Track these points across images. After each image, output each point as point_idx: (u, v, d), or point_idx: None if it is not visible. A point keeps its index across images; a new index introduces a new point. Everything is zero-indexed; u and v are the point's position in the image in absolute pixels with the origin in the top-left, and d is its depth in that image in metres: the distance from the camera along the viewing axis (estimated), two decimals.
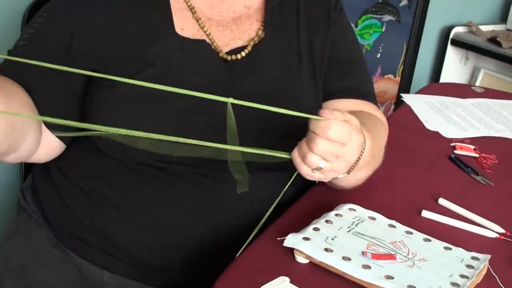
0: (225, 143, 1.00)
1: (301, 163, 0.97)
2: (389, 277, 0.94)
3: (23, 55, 1.09)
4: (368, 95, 1.29)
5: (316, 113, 0.95)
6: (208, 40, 1.17)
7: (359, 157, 1.01)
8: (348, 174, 1.04)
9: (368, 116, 1.21)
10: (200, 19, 1.18)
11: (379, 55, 2.53)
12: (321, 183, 1.25)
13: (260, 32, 1.21)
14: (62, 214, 1.19)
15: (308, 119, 0.95)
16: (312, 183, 1.28)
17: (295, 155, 0.98)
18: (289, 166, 1.14)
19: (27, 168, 1.49)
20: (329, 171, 0.98)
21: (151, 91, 1.08)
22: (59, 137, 1.14)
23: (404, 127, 1.61)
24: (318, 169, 0.97)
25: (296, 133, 0.99)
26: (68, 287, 1.15)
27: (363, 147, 1.02)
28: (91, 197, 1.16)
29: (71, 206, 1.18)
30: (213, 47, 1.17)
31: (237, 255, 1.02)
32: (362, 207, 1.13)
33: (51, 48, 1.12)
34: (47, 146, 1.13)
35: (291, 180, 1.05)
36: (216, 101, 1.08)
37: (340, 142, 0.95)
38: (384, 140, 1.22)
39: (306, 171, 0.98)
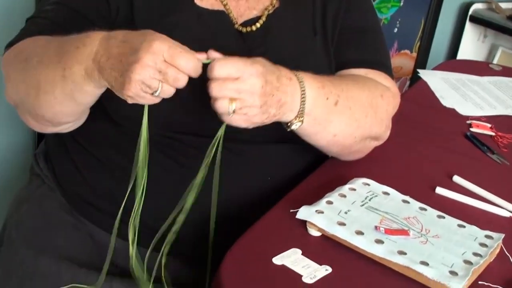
0: None
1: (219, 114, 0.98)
2: (402, 253, 0.93)
3: (55, 19, 1.12)
4: (381, 65, 1.26)
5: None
6: (225, 11, 1.16)
7: (302, 100, 1.03)
8: (301, 122, 1.05)
9: (353, 77, 1.20)
10: None
11: (396, 29, 2.51)
12: (335, 157, 1.25)
13: (274, 1, 1.20)
14: (74, 180, 1.19)
15: None
16: (326, 156, 1.28)
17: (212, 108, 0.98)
18: (301, 140, 1.14)
19: (40, 134, 1.49)
20: (246, 108, 0.97)
21: None
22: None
23: (420, 103, 1.60)
24: (232, 111, 0.96)
25: None
26: (80, 253, 1.16)
27: (303, 89, 1.03)
28: (104, 164, 1.16)
29: (84, 172, 1.18)
30: (230, 17, 1.16)
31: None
32: (376, 181, 1.13)
33: (83, 9, 1.12)
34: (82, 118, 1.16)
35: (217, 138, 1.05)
36: None
37: (232, 77, 0.95)
38: (374, 101, 1.18)
39: (226, 119, 0.98)
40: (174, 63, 0.91)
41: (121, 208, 1.08)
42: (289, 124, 1.07)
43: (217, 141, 1.04)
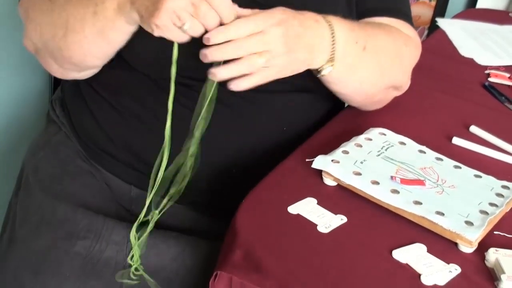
0: None
1: (250, 74, 0.96)
2: (417, 203, 0.93)
3: None
4: (403, 14, 1.25)
5: None
6: None
7: (333, 42, 1.01)
8: (332, 66, 1.03)
9: (378, 24, 1.18)
10: None
11: None
12: (351, 106, 1.24)
13: None
14: (91, 128, 1.20)
15: None
16: (342, 106, 1.27)
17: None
18: (319, 89, 1.13)
19: (56, 80, 1.49)
20: (273, 59, 0.96)
21: None
22: None
23: (438, 52, 1.58)
24: (259, 66, 0.95)
25: None
26: (96, 200, 1.17)
27: (332, 32, 1.01)
28: (120, 112, 1.16)
29: (100, 120, 1.18)
30: None
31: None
32: (393, 131, 1.12)
33: None
34: None
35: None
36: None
37: (254, 33, 0.93)
38: (399, 49, 1.17)
39: (259, 75, 0.97)
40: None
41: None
42: (319, 69, 1.05)
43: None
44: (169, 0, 0.88)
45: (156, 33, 0.93)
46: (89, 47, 1.04)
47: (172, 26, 0.91)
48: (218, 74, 0.95)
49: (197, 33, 0.92)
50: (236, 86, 0.98)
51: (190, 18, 0.90)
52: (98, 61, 1.10)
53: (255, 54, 0.94)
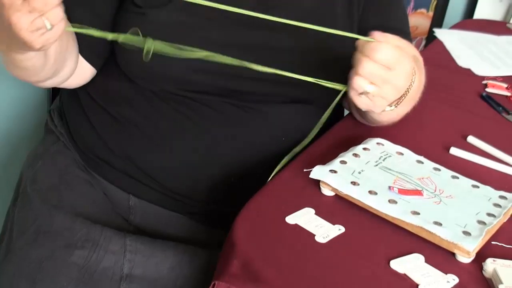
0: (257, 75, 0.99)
1: (350, 88, 0.95)
2: (415, 213, 0.93)
3: None
4: (404, 33, 1.25)
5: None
6: None
7: (408, 88, 1.00)
8: (396, 107, 1.02)
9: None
10: None
11: None
12: (349, 116, 1.24)
13: None
14: (89, 137, 1.20)
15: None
16: (341, 117, 1.27)
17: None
18: (317, 100, 1.13)
19: (55, 91, 1.49)
20: (377, 97, 0.95)
21: (181, 21, 1.07)
22: (90, 62, 1.14)
23: (435, 63, 1.58)
24: (365, 93, 0.94)
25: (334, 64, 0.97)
26: (95, 209, 1.17)
27: (413, 78, 1.00)
28: (118, 121, 1.16)
29: (98, 129, 1.18)
30: None
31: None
32: (390, 141, 1.12)
33: None
34: (79, 72, 1.13)
35: (330, 108, 1.04)
36: (247, 34, 1.07)
37: (388, 66, 0.92)
38: (422, 76, 1.19)
39: (353, 95, 0.96)
40: None
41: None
42: None
43: None
44: (18, 28, 0.85)
45: (42, 48, 0.90)
46: (32, 77, 1.06)
47: (43, 36, 0.87)
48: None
49: (59, 18, 0.87)
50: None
51: (43, 18, 0.86)
52: (46, 75, 1.07)
53: (368, 81, 0.94)
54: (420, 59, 1.23)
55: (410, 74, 0.97)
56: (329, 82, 1.00)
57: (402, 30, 1.26)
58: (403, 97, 1.01)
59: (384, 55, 0.91)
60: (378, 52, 0.91)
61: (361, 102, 0.98)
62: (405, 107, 1.11)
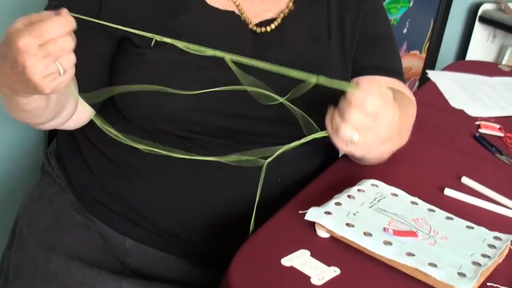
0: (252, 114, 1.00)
1: (335, 135, 0.96)
2: (410, 254, 0.94)
3: None
4: (397, 73, 1.28)
5: (347, 83, 0.93)
6: (237, 12, 1.16)
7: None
8: None
9: (397, 91, 1.20)
10: None
11: (405, 30, 2.51)
12: (344, 158, 1.25)
13: (290, 4, 1.20)
14: (86, 180, 1.20)
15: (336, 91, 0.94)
16: (335, 157, 1.28)
17: (328, 127, 0.96)
18: (313, 141, 1.14)
19: (51, 133, 1.50)
20: (362, 145, 0.96)
21: (179, 61, 1.09)
22: (89, 104, 1.14)
23: (428, 104, 1.59)
24: (353, 142, 0.95)
25: (322, 107, 0.98)
26: (91, 252, 1.17)
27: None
28: (115, 164, 1.17)
29: (95, 172, 1.19)
30: (242, 18, 1.16)
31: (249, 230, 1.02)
32: (385, 183, 1.13)
33: (80, 13, 1.12)
34: (79, 113, 1.14)
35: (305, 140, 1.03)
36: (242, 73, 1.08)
37: (374, 116, 0.93)
38: (411, 117, 1.20)
39: (340, 144, 0.96)
40: (45, 38, 0.85)
41: None
42: None
43: None
44: (32, 74, 0.86)
45: (52, 93, 0.91)
46: (32, 120, 1.06)
47: (55, 81, 0.88)
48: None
49: (71, 64, 0.89)
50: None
51: (55, 63, 0.87)
52: (46, 118, 1.08)
53: (355, 129, 0.94)
54: (412, 98, 1.25)
55: (391, 119, 0.96)
56: (314, 135, 1.01)
57: (395, 71, 1.28)
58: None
59: (372, 105, 0.91)
60: (367, 102, 0.91)
61: (345, 148, 0.98)
62: (389, 146, 1.11)
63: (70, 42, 0.87)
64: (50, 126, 1.11)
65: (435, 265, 0.92)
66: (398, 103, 1.06)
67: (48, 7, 1.15)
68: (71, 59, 0.88)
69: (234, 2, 1.17)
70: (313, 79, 0.93)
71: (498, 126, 1.50)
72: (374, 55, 1.26)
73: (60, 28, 0.85)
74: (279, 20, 1.18)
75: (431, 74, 1.79)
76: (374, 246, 0.95)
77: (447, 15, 2.62)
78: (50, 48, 0.85)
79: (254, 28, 1.16)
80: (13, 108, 1.02)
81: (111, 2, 1.12)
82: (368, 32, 1.25)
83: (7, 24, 0.88)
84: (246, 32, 1.16)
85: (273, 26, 1.17)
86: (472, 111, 1.58)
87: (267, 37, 1.16)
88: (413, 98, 1.27)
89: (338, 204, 1.04)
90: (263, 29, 1.16)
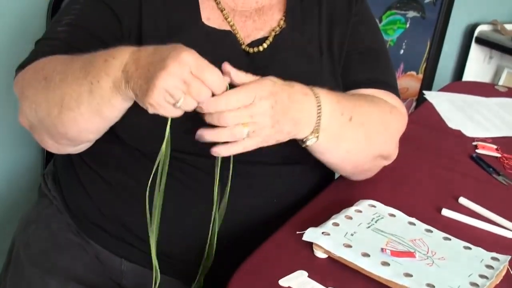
0: None
1: (232, 142, 0.99)
2: (408, 275, 0.93)
3: (68, 39, 1.12)
4: (389, 86, 1.27)
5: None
6: (232, 32, 1.17)
7: (318, 115, 1.04)
8: (317, 137, 1.06)
9: (363, 96, 1.20)
10: (224, 10, 1.18)
11: (402, 51, 2.52)
12: (341, 178, 1.25)
13: (281, 22, 1.21)
14: (82, 202, 1.20)
15: None
16: (331, 177, 1.28)
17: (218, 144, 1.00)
18: (309, 161, 1.15)
19: (48, 155, 1.50)
20: (259, 131, 0.99)
21: None
22: None
23: (426, 125, 1.60)
24: (248, 134, 0.98)
25: None
26: (87, 274, 1.16)
27: (318, 104, 1.04)
28: (112, 186, 1.16)
29: (92, 194, 1.19)
30: (237, 38, 1.17)
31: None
32: (382, 203, 1.13)
33: (96, 30, 1.12)
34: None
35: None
36: None
37: (243, 105, 0.96)
38: (385, 118, 1.19)
39: (242, 144, 1.00)
40: (200, 76, 0.91)
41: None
42: (304, 140, 1.07)
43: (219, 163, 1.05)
44: (162, 79, 0.90)
45: (151, 110, 0.94)
46: (84, 124, 1.05)
47: (166, 104, 0.92)
48: (204, 135, 0.99)
49: (190, 108, 0.94)
50: (217, 153, 1.00)
51: (183, 95, 0.92)
52: (92, 135, 1.10)
53: (241, 124, 0.97)
54: (402, 110, 1.24)
55: (272, 94, 0.99)
56: None
57: (387, 83, 1.27)
58: (316, 128, 1.05)
59: (234, 99, 0.96)
60: (227, 101, 0.96)
61: (253, 144, 1.01)
62: (349, 143, 1.13)
63: (207, 95, 0.93)
64: (73, 149, 1.13)
65: (432, 286, 0.91)
66: (352, 98, 1.13)
67: (57, 33, 1.15)
68: (192, 106, 0.94)
69: (229, 22, 1.17)
70: None
71: (495, 146, 1.50)
72: (365, 68, 1.26)
73: (214, 81, 0.93)
74: (270, 39, 1.18)
75: (428, 94, 1.79)
76: (371, 266, 0.95)
77: (443, 36, 2.63)
78: (194, 82, 0.91)
79: (247, 48, 1.17)
80: (93, 109, 1.02)
81: (123, 19, 1.13)
82: (358, 46, 1.25)
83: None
84: (240, 52, 1.16)
85: (265, 45, 1.18)
86: (469, 132, 1.58)
87: (260, 57, 1.17)
88: (402, 109, 1.25)
89: (335, 224, 1.04)
90: (255, 49, 1.17)
